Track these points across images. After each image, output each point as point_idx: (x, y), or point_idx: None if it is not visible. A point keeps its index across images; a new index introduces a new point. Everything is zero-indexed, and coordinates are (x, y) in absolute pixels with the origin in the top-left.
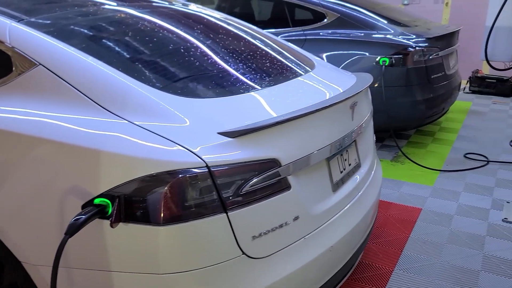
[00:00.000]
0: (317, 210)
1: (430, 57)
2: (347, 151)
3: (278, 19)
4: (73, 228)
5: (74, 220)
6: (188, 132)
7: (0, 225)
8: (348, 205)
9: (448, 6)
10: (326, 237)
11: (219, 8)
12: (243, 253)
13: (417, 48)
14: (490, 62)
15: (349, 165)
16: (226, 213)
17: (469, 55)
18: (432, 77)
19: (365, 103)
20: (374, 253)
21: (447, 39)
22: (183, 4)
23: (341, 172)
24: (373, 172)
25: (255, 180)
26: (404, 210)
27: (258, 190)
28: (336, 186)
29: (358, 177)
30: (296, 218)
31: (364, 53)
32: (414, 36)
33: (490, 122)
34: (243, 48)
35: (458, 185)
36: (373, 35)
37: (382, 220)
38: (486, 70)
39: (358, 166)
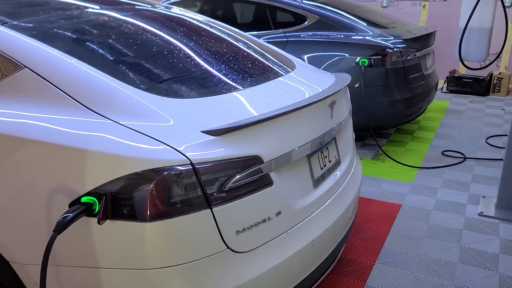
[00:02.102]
0: (299, 205)
1: (408, 57)
2: (327, 148)
3: (259, 21)
4: (61, 226)
5: (62, 218)
6: (172, 131)
7: None
8: (329, 201)
9: (426, 8)
10: (307, 232)
11: (201, 11)
12: (228, 247)
13: (395, 49)
14: (465, 62)
15: (329, 161)
16: (211, 208)
17: (446, 55)
18: (410, 77)
19: (344, 102)
20: (356, 248)
21: (424, 40)
22: (166, 7)
23: (322, 168)
24: (352, 168)
25: (238, 176)
26: (384, 206)
27: (241, 186)
28: (317, 182)
29: (338, 173)
30: (278, 213)
31: (344, 54)
32: (392, 38)
33: (467, 121)
34: (225, 50)
35: (436, 181)
36: (353, 37)
37: (363, 216)
38: (462, 70)
39: (338, 163)
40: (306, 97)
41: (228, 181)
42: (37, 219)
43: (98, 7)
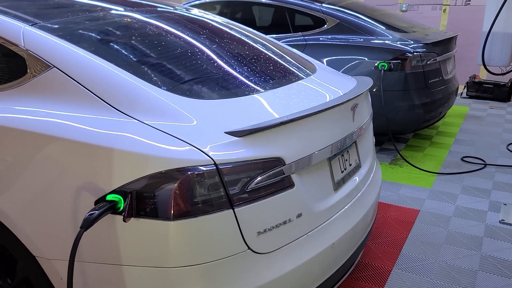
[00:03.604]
0: (319, 208)
1: (428, 62)
2: (348, 151)
3: (278, 24)
4: (88, 222)
5: (88, 215)
6: (196, 131)
7: (15, 221)
8: (349, 204)
9: (446, 12)
10: (327, 235)
11: (221, 14)
12: (249, 248)
13: (415, 53)
14: (487, 67)
15: (350, 165)
16: (233, 209)
17: (467, 60)
18: (429, 81)
19: (366, 105)
20: (374, 253)
21: (445, 45)
22: (187, 9)
23: (342, 172)
24: (372, 173)
25: (260, 177)
26: (402, 212)
27: (263, 187)
28: (337, 185)
29: (358, 177)
30: (299, 215)
31: (363, 58)
32: (412, 42)
33: (487, 127)
34: (247, 52)
35: (456, 187)
36: (372, 41)
37: (381, 221)
38: (483, 75)
39: (358, 167)
40: (327, 100)
41: (251, 182)
42: (63, 215)
43: (122, 9)
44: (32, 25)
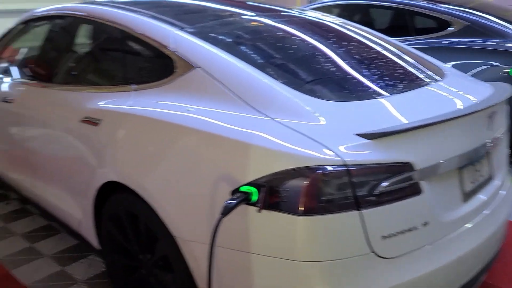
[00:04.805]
0: (446, 218)
1: None
2: (479, 162)
3: (397, 27)
4: (227, 210)
5: (228, 203)
6: (326, 131)
7: (159, 202)
8: (478, 218)
9: None
10: (453, 248)
11: (339, 17)
12: (373, 251)
13: None
14: None
15: (481, 177)
16: (360, 210)
17: None
18: None
19: (502, 115)
20: (500, 276)
21: None
22: (311, 14)
23: (472, 183)
24: (506, 188)
25: (389, 181)
26: None
27: (391, 191)
28: (467, 196)
29: (489, 190)
30: (425, 224)
31: (494, 63)
32: None
33: None
34: (373, 55)
35: None
36: (505, 44)
37: (508, 240)
38: None
39: (489, 180)
40: (460, 106)
41: (378, 185)
42: (201, 200)
43: (252, 14)
44: (181, 30)
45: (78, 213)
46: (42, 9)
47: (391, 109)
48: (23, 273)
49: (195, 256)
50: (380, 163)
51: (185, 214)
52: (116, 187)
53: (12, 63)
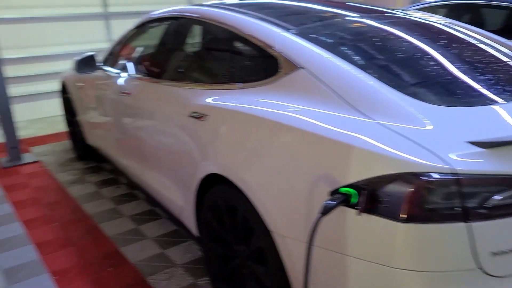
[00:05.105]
0: None
1: None
2: None
3: (509, 28)
4: (327, 210)
5: (327, 203)
6: (434, 137)
7: (258, 196)
8: None
9: None
10: None
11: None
12: (480, 267)
13: None
14: None
15: None
16: (469, 223)
17: None
18: None
19: None
20: None
21: None
22: (417, 15)
23: None
24: None
25: (502, 194)
26: None
27: (504, 205)
28: None
29: None
30: None
31: None
32: None
33: None
34: (486, 59)
35: None
36: None
37: None
38: None
39: None
40: None
41: (491, 198)
42: (299, 198)
43: (356, 15)
44: (287, 31)
45: (181, 201)
46: (158, 11)
47: (507, 118)
48: (130, 252)
49: (289, 252)
50: (493, 174)
51: (282, 209)
52: (218, 180)
53: (129, 60)
